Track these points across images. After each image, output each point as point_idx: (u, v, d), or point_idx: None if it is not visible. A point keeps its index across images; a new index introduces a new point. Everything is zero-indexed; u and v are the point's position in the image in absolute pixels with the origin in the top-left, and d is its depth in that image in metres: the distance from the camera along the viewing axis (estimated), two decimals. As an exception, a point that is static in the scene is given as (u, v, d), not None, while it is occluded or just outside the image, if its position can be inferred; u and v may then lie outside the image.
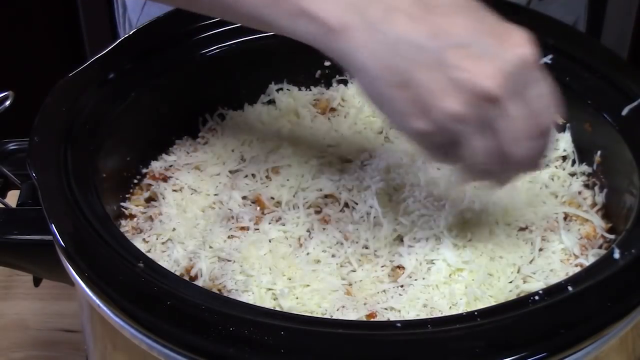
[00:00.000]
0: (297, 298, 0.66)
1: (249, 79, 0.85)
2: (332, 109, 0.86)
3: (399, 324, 0.57)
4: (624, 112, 0.73)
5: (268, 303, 0.66)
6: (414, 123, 0.58)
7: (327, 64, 0.88)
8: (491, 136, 0.59)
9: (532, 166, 0.63)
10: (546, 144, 0.62)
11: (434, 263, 0.69)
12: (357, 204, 0.74)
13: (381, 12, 0.57)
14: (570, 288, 0.58)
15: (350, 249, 0.70)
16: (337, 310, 0.65)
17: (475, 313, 0.57)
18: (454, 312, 0.65)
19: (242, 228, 0.73)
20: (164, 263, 0.70)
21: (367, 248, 0.71)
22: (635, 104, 0.73)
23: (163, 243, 0.72)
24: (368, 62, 0.58)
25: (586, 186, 0.78)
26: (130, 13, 1.15)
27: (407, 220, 0.72)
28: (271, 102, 0.87)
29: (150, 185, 0.78)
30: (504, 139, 0.59)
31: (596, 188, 0.76)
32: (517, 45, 0.58)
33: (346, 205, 0.74)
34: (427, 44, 0.57)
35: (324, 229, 0.72)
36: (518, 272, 0.68)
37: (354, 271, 0.69)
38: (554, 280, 0.67)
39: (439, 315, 0.65)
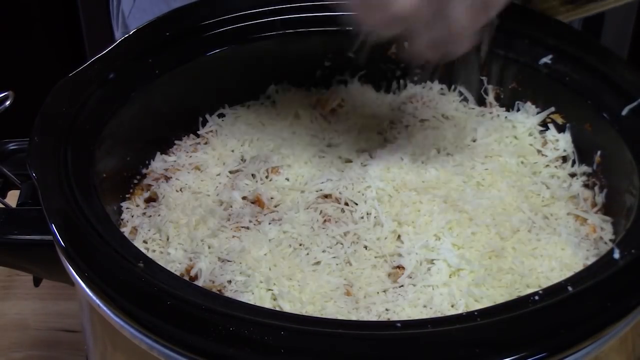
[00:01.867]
0: (297, 298, 0.66)
1: (249, 79, 0.86)
2: (332, 109, 0.86)
3: (399, 324, 0.57)
4: (624, 112, 0.73)
5: (268, 303, 0.66)
6: (365, 17, 0.65)
7: (327, 64, 0.88)
8: (439, 27, 0.66)
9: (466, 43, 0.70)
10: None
11: (434, 263, 0.69)
12: (357, 204, 0.74)
13: None
14: (570, 288, 0.58)
15: (350, 249, 0.70)
16: (337, 310, 0.65)
17: (475, 313, 0.57)
18: (454, 312, 0.65)
19: (242, 228, 0.73)
20: (164, 263, 0.70)
21: (367, 248, 0.71)
22: (635, 104, 0.73)
23: (163, 243, 0.72)
24: None
25: (586, 186, 0.78)
26: (124, 5, 1.15)
27: (407, 220, 0.72)
28: (271, 102, 0.87)
29: (150, 185, 0.78)
30: (448, 31, 0.66)
31: (596, 188, 0.77)
32: None
33: (346, 205, 0.74)
34: None
35: (323, 229, 0.72)
36: (518, 272, 0.68)
37: (354, 271, 0.69)
38: (554, 280, 0.67)
39: (439, 315, 0.65)
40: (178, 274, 0.69)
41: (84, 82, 0.76)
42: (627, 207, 0.69)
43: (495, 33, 0.83)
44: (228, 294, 0.67)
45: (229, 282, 0.68)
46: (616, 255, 0.62)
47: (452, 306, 0.66)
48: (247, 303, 0.62)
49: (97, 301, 0.59)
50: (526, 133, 0.82)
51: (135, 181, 0.79)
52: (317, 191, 0.75)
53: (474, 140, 0.82)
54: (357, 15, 0.66)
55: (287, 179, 0.77)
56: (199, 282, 0.68)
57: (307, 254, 0.70)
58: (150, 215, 0.75)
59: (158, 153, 0.81)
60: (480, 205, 0.73)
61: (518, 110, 0.84)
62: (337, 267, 0.69)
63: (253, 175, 0.78)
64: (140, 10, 1.12)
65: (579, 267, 0.69)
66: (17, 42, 1.85)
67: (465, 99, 0.87)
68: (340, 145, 0.81)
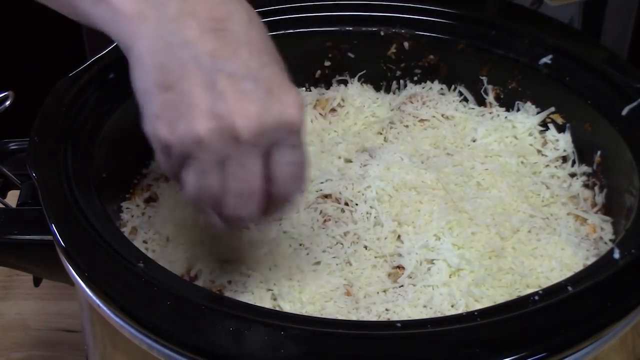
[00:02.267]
0: (297, 298, 0.66)
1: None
2: (332, 109, 0.86)
3: (399, 324, 0.57)
4: (624, 112, 0.73)
5: (268, 303, 0.66)
6: (159, 128, 0.57)
7: (327, 64, 0.88)
8: (218, 177, 0.58)
9: (237, 224, 0.62)
10: (263, 214, 0.61)
11: (434, 263, 0.69)
12: (357, 204, 0.74)
13: (177, 11, 0.57)
14: (570, 288, 0.58)
15: (350, 249, 0.70)
16: (337, 310, 0.65)
17: (475, 313, 0.57)
18: (454, 312, 0.65)
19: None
20: (164, 263, 0.70)
21: (367, 248, 0.71)
22: (635, 104, 0.73)
23: (163, 243, 0.72)
24: (146, 54, 0.57)
25: (586, 186, 0.78)
26: None
27: (407, 220, 0.72)
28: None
29: (150, 185, 0.78)
30: (228, 186, 0.58)
31: (596, 188, 0.77)
32: (286, 105, 0.57)
33: (346, 205, 0.74)
34: (204, 59, 0.56)
35: (323, 229, 0.72)
36: (518, 272, 0.68)
37: (354, 271, 0.69)
38: (554, 280, 0.67)
39: (439, 315, 0.65)
40: (178, 274, 0.69)
41: (84, 82, 0.76)
42: (627, 207, 0.69)
43: (493, 33, 0.84)
44: (228, 294, 0.67)
45: (229, 282, 0.68)
46: (616, 255, 0.62)
47: (452, 306, 0.66)
48: (247, 303, 0.62)
49: (97, 301, 0.59)
50: (526, 133, 0.82)
51: (135, 181, 0.79)
52: (317, 191, 0.75)
53: (474, 140, 0.82)
54: (152, 127, 0.58)
55: (287, 179, 0.77)
56: (199, 282, 0.68)
57: (307, 254, 0.70)
58: (150, 215, 0.75)
59: (158, 153, 0.81)
60: (480, 205, 0.73)
61: (518, 110, 0.84)
62: (337, 267, 0.69)
63: (253, 175, 0.78)
64: None
65: (579, 267, 0.69)
66: (17, 42, 1.85)
67: (465, 99, 0.87)
68: (340, 145, 0.81)
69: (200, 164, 0.57)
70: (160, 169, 0.61)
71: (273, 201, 0.60)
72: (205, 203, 0.60)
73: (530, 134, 0.82)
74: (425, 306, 0.66)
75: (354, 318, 0.65)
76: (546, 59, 0.80)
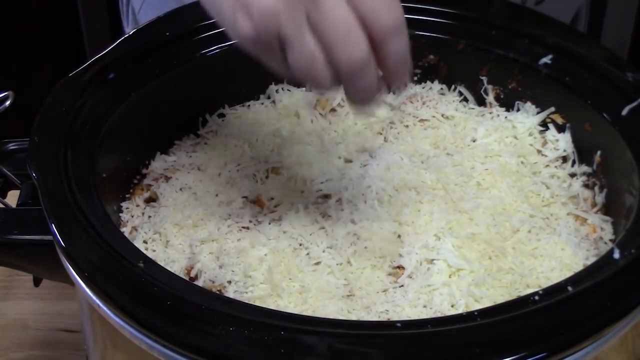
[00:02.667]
0: (297, 298, 0.66)
1: (249, 79, 0.85)
2: (332, 109, 0.86)
3: (399, 324, 0.57)
4: (624, 112, 0.74)
5: (268, 303, 0.66)
6: (240, 26, 0.57)
7: (327, 64, 0.88)
8: (313, 37, 0.57)
9: (368, 78, 0.59)
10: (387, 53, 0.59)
11: (434, 263, 0.69)
12: (357, 204, 0.74)
13: None
14: (570, 288, 0.58)
15: (350, 249, 0.70)
16: (337, 310, 0.65)
17: (475, 313, 0.57)
18: (454, 312, 0.65)
19: (242, 228, 0.73)
20: (164, 263, 0.70)
21: (367, 248, 0.71)
22: (635, 104, 0.73)
23: (163, 243, 0.72)
24: None
25: (586, 186, 0.78)
26: (133, 1, 1.15)
27: (407, 220, 0.72)
28: (271, 102, 0.87)
29: (150, 185, 0.78)
30: (326, 37, 0.57)
31: (596, 188, 0.77)
32: None
33: (346, 204, 0.74)
34: None
35: (323, 229, 0.72)
36: (518, 272, 0.68)
37: (354, 271, 0.69)
38: (554, 280, 0.67)
39: (439, 315, 0.65)
40: (178, 274, 0.69)
41: (84, 82, 0.76)
42: (627, 207, 0.69)
43: (493, 33, 0.84)
44: (228, 294, 0.67)
45: (229, 282, 0.68)
46: (616, 255, 0.62)
47: (452, 306, 0.66)
48: (247, 303, 0.62)
49: (97, 301, 0.60)
50: (526, 133, 0.82)
51: (135, 181, 0.79)
52: (317, 191, 0.75)
53: (474, 140, 0.82)
54: (236, 33, 0.58)
55: (287, 179, 0.77)
56: (199, 282, 0.68)
57: (307, 254, 0.70)
58: (150, 216, 0.75)
59: (158, 153, 0.81)
60: (480, 205, 0.74)
61: (518, 110, 0.84)
62: (337, 267, 0.69)
63: (253, 175, 0.78)
64: (150, 5, 1.12)
65: (579, 267, 0.69)
66: (17, 42, 1.85)
67: (465, 99, 0.87)
68: (340, 145, 0.81)
69: (292, 35, 0.56)
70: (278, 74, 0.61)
71: (384, 44, 0.58)
72: (321, 76, 0.58)
73: (530, 134, 0.82)
74: (425, 306, 0.66)
75: (354, 318, 0.65)
76: (546, 59, 0.81)
